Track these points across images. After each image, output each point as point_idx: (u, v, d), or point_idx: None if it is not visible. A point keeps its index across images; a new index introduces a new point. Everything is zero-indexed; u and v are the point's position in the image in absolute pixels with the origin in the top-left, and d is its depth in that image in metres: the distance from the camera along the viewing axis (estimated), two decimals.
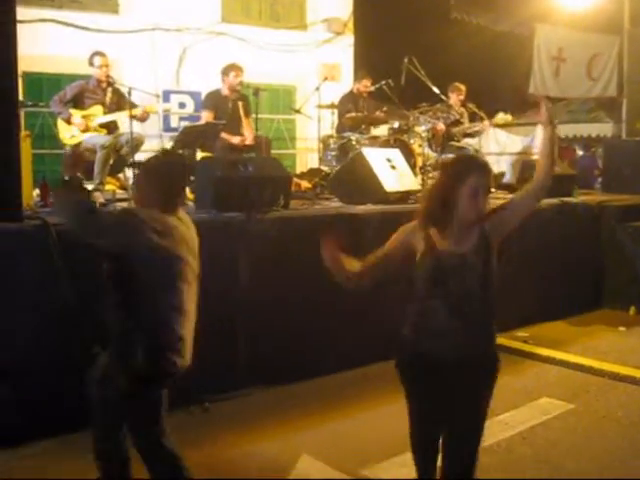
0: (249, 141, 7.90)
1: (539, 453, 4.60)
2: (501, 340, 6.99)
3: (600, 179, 12.04)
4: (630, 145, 10.56)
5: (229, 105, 7.99)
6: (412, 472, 4.23)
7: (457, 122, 9.48)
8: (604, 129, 17.24)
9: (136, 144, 6.86)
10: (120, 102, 7.34)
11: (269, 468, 4.35)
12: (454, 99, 9.58)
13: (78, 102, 7.21)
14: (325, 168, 8.54)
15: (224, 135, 7.75)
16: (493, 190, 8.99)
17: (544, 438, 4.82)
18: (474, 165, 3.21)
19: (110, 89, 7.32)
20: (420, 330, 3.22)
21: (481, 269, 3.11)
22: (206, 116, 8.00)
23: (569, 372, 6.23)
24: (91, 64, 7.25)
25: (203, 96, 8.50)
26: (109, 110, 7.28)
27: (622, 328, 7.73)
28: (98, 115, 7.19)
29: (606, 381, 6.01)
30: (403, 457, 4.45)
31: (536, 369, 6.33)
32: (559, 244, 7.93)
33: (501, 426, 4.93)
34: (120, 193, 7.30)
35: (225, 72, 7.98)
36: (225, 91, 8.02)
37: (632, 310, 8.30)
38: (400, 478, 4.18)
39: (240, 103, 7.99)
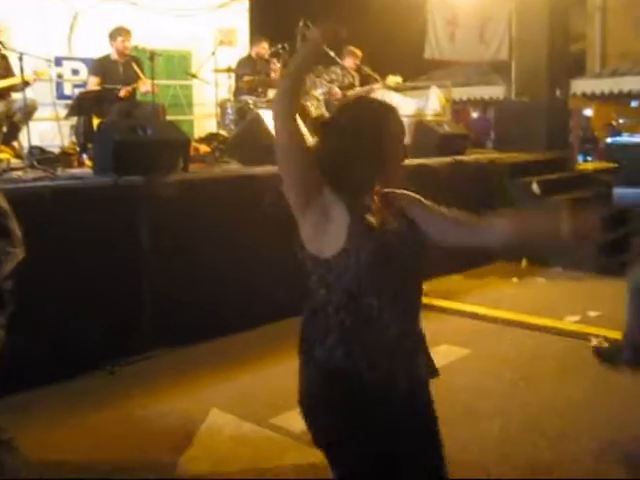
0: (148, 87, 7.80)
1: (440, 394, 4.81)
2: None
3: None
4: (518, 106, 10.96)
5: (120, 69, 7.86)
6: None
7: (351, 85, 9.62)
8: (497, 91, 17.74)
9: (29, 110, 6.73)
10: (9, 68, 7.15)
11: (179, 424, 4.42)
12: (349, 63, 9.68)
13: None
14: (224, 132, 8.56)
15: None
16: None
17: (443, 380, 5.03)
18: (389, 106, 2.35)
19: None
20: None
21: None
22: (92, 82, 7.86)
23: (466, 320, 6.52)
24: None
25: None
26: None
27: (515, 279, 8.11)
28: None
29: (500, 327, 6.33)
30: None
31: (436, 319, 6.55)
32: (453, 201, 8.17)
33: None
34: (15, 162, 7.13)
35: (112, 36, 7.80)
36: (115, 55, 7.87)
37: (524, 262, 8.71)
38: None
39: (133, 64, 7.88)
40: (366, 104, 2.41)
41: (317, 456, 3.96)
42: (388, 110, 2.32)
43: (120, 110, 7.56)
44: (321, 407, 2.27)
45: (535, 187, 8.88)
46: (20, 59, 6.66)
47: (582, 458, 3.97)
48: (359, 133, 2.23)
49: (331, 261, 2.19)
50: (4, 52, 7.15)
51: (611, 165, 11.91)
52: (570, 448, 4.08)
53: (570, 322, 6.39)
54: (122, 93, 7.70)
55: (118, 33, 7.80)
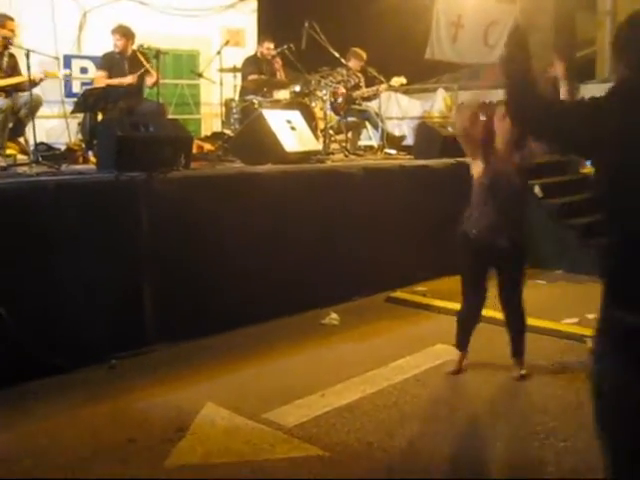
0: (154, 79, 7.98)
1: (432, 393, 4.90)
2: (401, 294, 7.32)
3: None
4: None
5: (125, 64, 8.02)
6: (310, 412, 4.50)
7: (357, 86, 9.68)
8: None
9: (34, 106, 6.78)
10: (16, 66, 7.21)
11: (173, 416, 4.48)
12: (354, 64, 9.74)
13: None
14: (228, 131, 8.63)
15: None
16: (394, 152, 9.29)
17: (437, 380, 5.11)
18: None
19: (7, 53, 7.18)
20: None
21: None
22: (99, 75, 8.08)
23: None
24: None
25: None
26: (5, 74, 7.13)
27: None
28: None
29: (495, 327, 6.32)
30: (303, 400, 4.71)
31: (433, 319, 6.63)
32: (454, 202, 8.21)
33: (396, 370, 5.21)
34: (21, 158, 7.22)
35: (112, 32, 8.06)
36: (117, 51, 8.05)
37: None
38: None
39: (139, 56, 8.04)
40: None
41: (308, 450, 4.07)
42: None
43: (123, 107, 7.66)
44: None
45: (537, 190, 8.91)
46: (27, 56, 6.71)
47: (570, 457, 4.01)
48: None
49: None
50: (12, 50, 7.20)
51: None
52: (558, 447, 4.12)
53: (567, 324, 6.41)
54: (129, 80, 7.84)
55: (115, 31, 8.09)
